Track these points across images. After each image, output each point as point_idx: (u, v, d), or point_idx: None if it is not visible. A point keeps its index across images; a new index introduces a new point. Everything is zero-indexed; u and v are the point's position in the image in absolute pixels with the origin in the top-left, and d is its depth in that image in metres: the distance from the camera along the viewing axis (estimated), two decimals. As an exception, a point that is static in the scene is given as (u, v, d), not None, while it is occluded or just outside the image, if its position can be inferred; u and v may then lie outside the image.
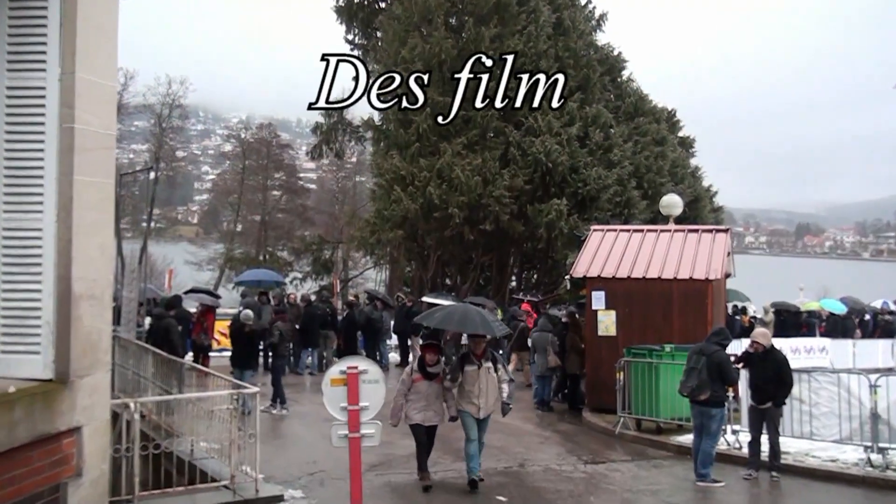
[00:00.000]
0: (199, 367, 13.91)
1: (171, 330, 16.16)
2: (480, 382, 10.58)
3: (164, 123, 50.28)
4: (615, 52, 34.59)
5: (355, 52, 37.21)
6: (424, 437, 10.70)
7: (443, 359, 11.04)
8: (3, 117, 5.98)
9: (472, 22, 29.76)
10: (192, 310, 20.23)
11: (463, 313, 11.22)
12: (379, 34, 35.01)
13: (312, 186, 64.43)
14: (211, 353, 19.19)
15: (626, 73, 35.48)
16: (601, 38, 34.90)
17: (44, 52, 5.99)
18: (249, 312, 16.48)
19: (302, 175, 61.27)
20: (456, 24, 30.92)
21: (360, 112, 37.45)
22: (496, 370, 10.76)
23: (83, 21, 6.01)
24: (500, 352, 18.09)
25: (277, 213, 53.03)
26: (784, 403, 11.74)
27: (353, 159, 54.77)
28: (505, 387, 10.76)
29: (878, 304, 34.55)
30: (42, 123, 5.98)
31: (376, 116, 33.25)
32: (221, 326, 20.87)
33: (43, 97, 5.99)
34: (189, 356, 17.73)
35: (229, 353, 16.43)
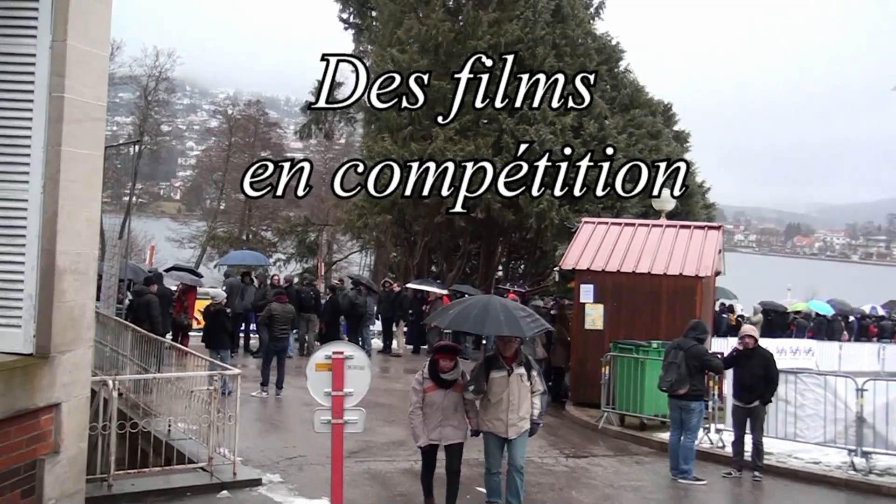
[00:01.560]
0: (179, 346, 13.72)
1: (152, 306, 15.95)
2: (511, 393, 8.46)
3: (150, 96, 49.63)
4: (613, 42, 34.36)
5: (349, 32, 36.98)
6: (434, 460, 8.82)
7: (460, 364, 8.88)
8: (-10, 83, 5.82)
9: (471, 5, 29.56)
10: (173, 288, 20.02)
11: (483, 308, 8.66)
12: (374, 14, 34.73)
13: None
14: (191, 333, 19.00)
15: (623, 64, 35.29)
16: (599, 27, 34.71)
17: (35, 18, 5.82)
18: (220, 291, 16.28)
19: (289, 155, 60.77)
20: (453, 6, 30.74)
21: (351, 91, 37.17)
22: (529, 378, 8.62)
23: (77, -13, 5.85)
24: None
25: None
26: (770, 401, 11.71)
27: (342, 141, 54.36)
28: (537, 401, 8.68)
29: (866, 308, 34.79)
30: (31, 91, 5.84)
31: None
32: (202, 306, 20.67)
33: (33, 64, 5.83)
34: (169, 335, 17.54)
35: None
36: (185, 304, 19.11)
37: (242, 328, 21.16)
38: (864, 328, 30.13)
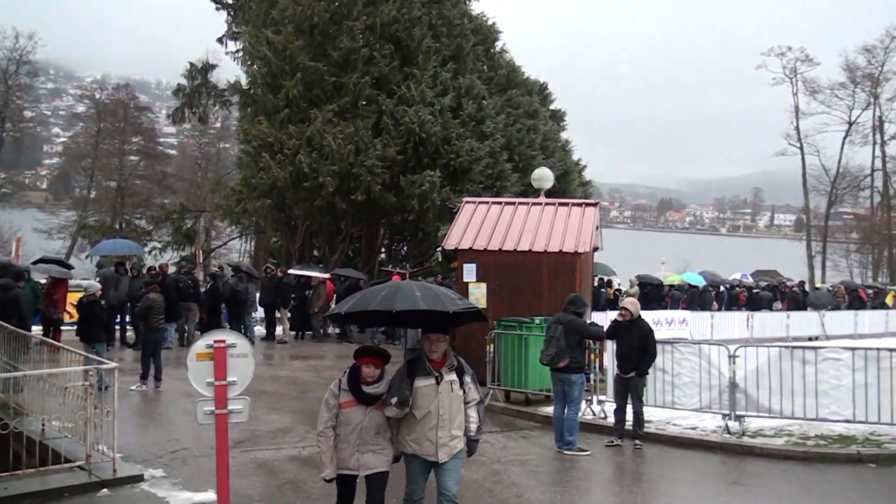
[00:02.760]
0: (51, 341, 13.11)
1: (20, 300, 15.13)
2: (441, 405, 6.72)
3: (10, 80, 47.30)
4: (489, 22, 34.64)
5: (222, 12, 36.08)
6: (353, 494, 6.92)
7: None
8: None
9: (346, -15, 29.19)
10: (42, 281, 19.11)
11: (394, 287, 7.05)
12: (248, -7, 33.88)
13: (173, 152, 62.10)
14: (63, 327, 18.20)
15: (499, 44, 35.64)
16: (475, 8, 34.95)
17: None
18: (93, 282, 15.68)
19: (162, 140, 59.01)
20: (329, -15, 30.28)
21: (226, 75, 36.31)
22: (462, 385, 6.89)
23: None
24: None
25: (135, 180, 50.63)
26: (647, 373, 12.07)
27: (218, 124, 53.20)
28: (473, 413, 6.95)
29: (736, 275, 36.45)
30: None
31: (243, 80, 32.28)
32: (74, 298, 19.79)
33: None
34: (37, 330, 16.75)
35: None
36: (54, 297, 18.28)
37: (118, 320, 20.43)
38: (734, 297, 31.49)
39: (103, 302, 15.89)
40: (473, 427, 6.95)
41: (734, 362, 12.35)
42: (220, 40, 36.06)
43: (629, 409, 11.97)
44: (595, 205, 18.09)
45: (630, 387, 11.92)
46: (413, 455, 6.82)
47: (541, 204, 17.81)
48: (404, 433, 6.83)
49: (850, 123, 54.34)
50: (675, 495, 9.78)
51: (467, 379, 6.94)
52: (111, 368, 9.66)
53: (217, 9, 35.94)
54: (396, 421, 6.82)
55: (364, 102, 28.95)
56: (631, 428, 11.94)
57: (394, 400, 6.63)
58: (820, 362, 12.13)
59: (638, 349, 11.81)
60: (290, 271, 24.11)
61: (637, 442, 11.81)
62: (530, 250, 16.08)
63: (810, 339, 25.43)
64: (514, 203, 18.14)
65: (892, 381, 11.46)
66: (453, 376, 6.85)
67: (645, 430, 12.08)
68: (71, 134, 75.49)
